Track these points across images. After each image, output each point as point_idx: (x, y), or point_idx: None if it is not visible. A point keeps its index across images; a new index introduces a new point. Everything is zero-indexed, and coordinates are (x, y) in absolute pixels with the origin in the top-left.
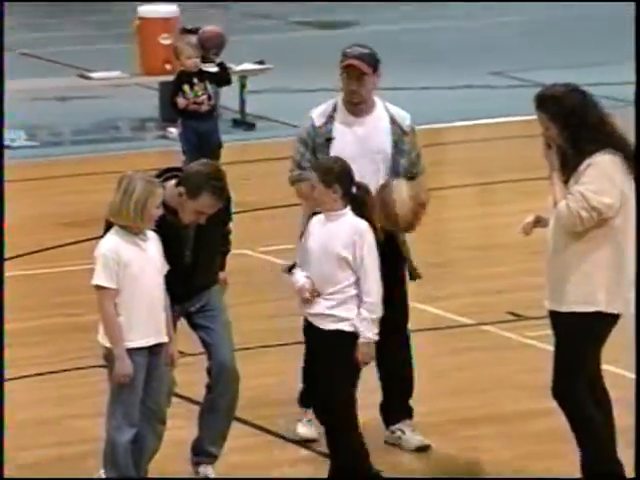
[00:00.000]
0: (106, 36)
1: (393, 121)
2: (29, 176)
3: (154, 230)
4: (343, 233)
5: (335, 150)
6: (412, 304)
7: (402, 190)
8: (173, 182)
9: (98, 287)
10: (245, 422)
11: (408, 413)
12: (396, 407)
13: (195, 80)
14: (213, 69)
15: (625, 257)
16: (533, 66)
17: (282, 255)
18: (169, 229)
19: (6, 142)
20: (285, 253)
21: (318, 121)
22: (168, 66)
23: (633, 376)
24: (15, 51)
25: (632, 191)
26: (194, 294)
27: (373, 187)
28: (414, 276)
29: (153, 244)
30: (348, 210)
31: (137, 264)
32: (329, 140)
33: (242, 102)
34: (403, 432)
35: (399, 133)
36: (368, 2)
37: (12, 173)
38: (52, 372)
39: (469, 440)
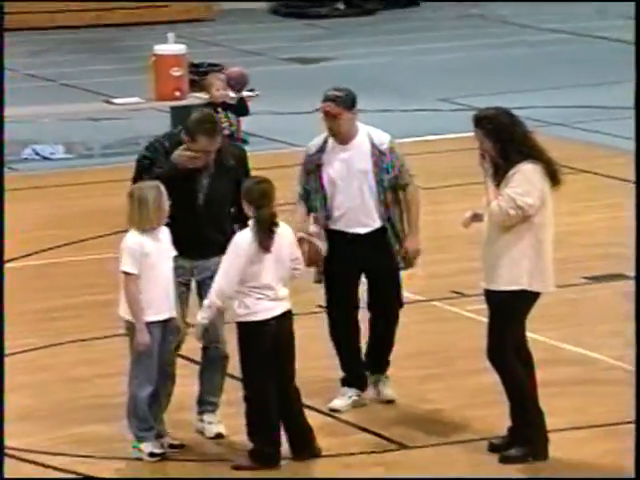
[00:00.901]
0: (128, 69)
1: (373, 145)
2: (66, 182)
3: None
4: None
5: (326, 173)
6: None
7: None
8: None
9: (125, 273)
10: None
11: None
12: (376, 363)
13: (219, 109)
14: (234, 101)
15: (543, 247)
16: (471, 93)
17: None
18: (187, 172)
19: (47, 154)
20: None
21: (311, 150)
22: (177, 93)
23: (552, 342)
24: (57, 82)
25: (549, 194)
26: (202, 248)
27: (359, 202)
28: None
29: (165, 236)
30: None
31: (155, 254)
32: (319, 166)
33: (237, 122)
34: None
35: (377, 154)
36: (343, 40)
37: (53, 180)
38: (84, 339)
39: (423, 393)
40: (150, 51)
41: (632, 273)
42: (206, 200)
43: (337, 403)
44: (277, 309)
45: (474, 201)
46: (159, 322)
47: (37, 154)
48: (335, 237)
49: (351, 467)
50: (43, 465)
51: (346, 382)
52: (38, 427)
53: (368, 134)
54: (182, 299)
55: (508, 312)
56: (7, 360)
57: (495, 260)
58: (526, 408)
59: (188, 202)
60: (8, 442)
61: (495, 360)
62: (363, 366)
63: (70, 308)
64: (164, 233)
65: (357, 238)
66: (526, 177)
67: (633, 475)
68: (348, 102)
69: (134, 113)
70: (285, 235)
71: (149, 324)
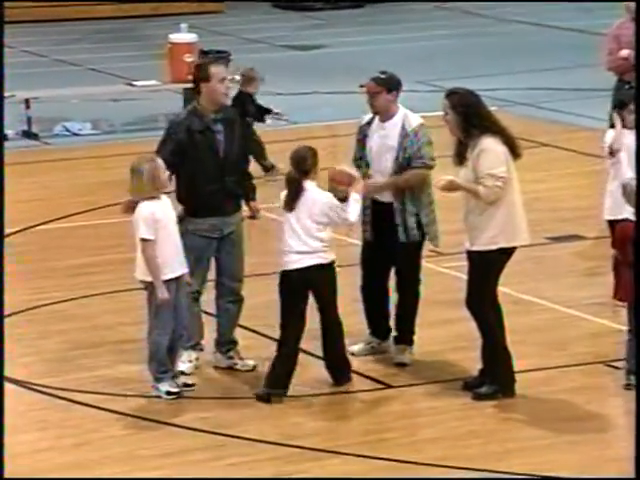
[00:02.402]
0: (146, 55)
1: (403, 126)
2: (93, 154)
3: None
4: None
5: (368, 144)
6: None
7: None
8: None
9: (143, 239)
10: (247, 328)
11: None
12: (398, 334)
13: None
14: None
15: (516, 208)
16: (445, 77)
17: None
18: (207, 132)
19: (76, 131)
20: None
21: (362, 123)
22: (189, 76)
23: (518, 294)
24: (84, 67)
25: (512, 163)
26: (227, 204)
27: (387, 174)
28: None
29: (167, 202)
30: None
31: (165, 219)
32: (365, 136)
33: None
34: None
35: (403, 135)
36: (336, 30)
37: (80, 153)
38: (109, 292)
39: None
40: (166, 40)
41: (587, 234)
42: (225, 153)
43: (355, 348)
44: (302, 262)
45: (449, 169)
46: (174, 279)
47: (67, 130)
48: (374, 204)
49: (346, 402)
50: (72, 401)
51: (370, 331)
52: (68, 368)
53: (403, 115)
54: (210, 253)
55: (487, 269)
56: (41, 310)
57: (476, 225)
58: (497, 351)
59: (212, 157)
60: (41, 381)
61: (473, 308)
62: (382, 319)
63: (96, 265)
64: (166, 200)
65: (387, 206)
66: (491, 151)
67: (633, 475)
68: (387, 84)
69: (151, 94)
70: (314, 198)
71: (166, 282)
